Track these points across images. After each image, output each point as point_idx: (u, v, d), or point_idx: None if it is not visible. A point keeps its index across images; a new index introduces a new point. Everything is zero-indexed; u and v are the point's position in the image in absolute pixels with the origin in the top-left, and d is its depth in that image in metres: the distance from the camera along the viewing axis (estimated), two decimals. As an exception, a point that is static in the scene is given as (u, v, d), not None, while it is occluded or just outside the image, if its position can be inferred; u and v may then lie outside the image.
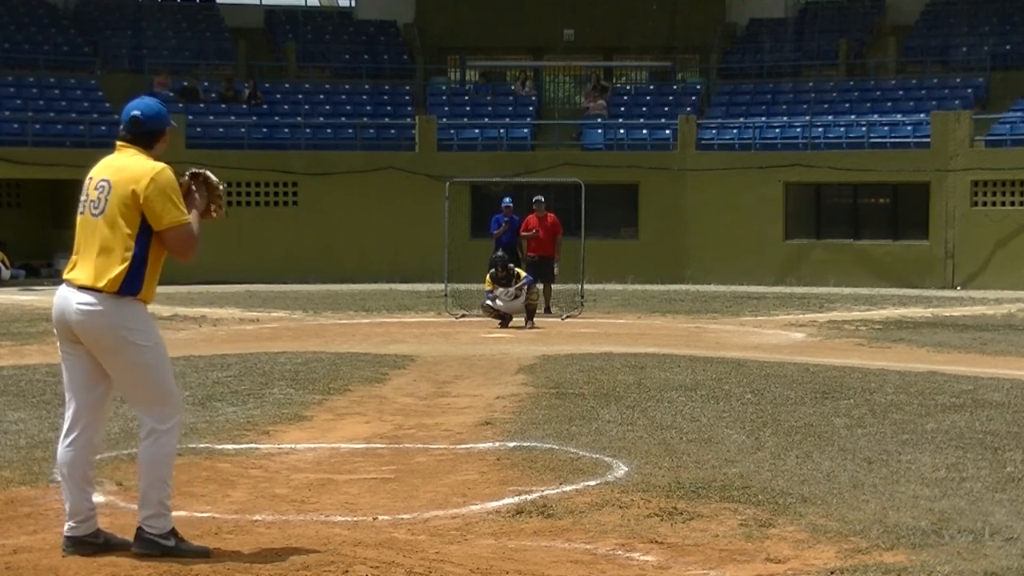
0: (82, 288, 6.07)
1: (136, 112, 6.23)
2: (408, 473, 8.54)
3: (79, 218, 6.21)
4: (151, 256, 6.13)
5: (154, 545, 6.13)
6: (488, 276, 21.00)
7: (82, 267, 6.11)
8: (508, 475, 8.35)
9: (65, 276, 6.20)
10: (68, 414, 6.24)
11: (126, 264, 6.05)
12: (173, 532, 6.20)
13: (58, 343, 6.28)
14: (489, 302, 20.87)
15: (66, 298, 6.12)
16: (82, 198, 6.20)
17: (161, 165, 6.16)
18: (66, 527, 6.22)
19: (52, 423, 10.25)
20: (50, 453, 8.91)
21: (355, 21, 42.68)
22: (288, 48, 40.27)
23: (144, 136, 6.23)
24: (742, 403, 11.53)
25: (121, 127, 6.28)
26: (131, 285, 6.08)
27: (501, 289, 20.74)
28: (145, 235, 6.09)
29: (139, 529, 6.19)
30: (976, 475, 8.24)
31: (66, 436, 6.23)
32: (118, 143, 6.29)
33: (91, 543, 6.19)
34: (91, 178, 6.22)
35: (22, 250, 33.27)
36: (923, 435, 9.79)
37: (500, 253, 21.51)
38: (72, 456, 6.19)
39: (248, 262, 31.79)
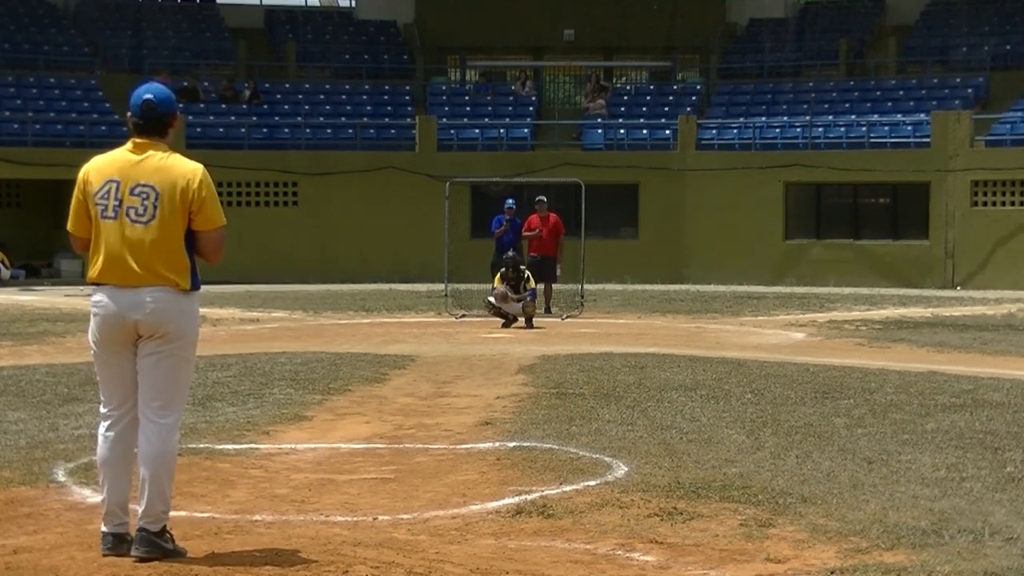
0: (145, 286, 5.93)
1: (149, 96, 6.00)
2: (408, 473, 8.54)
3: (107, 223, 5.96)
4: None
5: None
6: (498, 275, 21.02)
7: (134, 268, 5.94)
8: (508, 475, 8.35)
9: (102, 279, 5.97)
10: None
11: (189, 264, 6.07)
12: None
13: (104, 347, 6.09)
14: (492, 299, 20.85)
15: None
16: (110, 202, 5.95)
17: (201, 166, 6.08)
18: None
19: (52, 423, 10.24)
20: (50, 453, 8.91)
21: (355, 21, 42.69)
22: (288, 48, 40.27)
23: (158, 122, 6.02)
24: (742, 403, 11.52)
25: (131, 115, 6.02)
26: (195, 281, 6.12)
27: (506, 286, 20.74)
28: (189, 235, 6.11)
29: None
30: (976, 475, 8.24)
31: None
32: (135, 138, 6.04)
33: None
34: (116, 180, 5.96)
35: (22, 250, 33.27)
36: (923, 435, 9.78)
37: (512, 254, 21.55)
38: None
39: (248, 262, 31.75)
